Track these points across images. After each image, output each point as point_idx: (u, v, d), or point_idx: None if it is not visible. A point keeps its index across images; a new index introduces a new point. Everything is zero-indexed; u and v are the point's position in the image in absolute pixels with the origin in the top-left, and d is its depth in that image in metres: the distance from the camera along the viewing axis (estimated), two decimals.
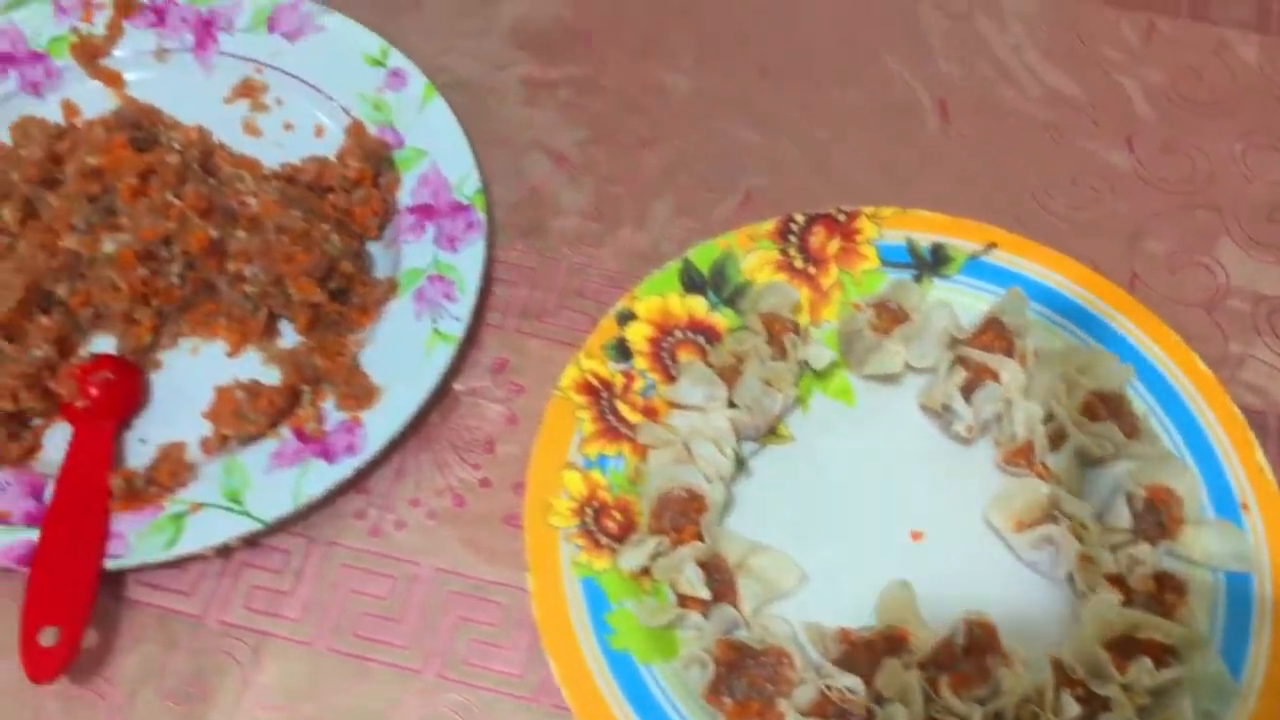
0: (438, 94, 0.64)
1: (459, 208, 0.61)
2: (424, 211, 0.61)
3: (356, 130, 0.63)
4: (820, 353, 0.57)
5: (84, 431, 0.55)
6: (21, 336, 0.57)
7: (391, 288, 0.60)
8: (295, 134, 0.65)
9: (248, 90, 0.66)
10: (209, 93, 0.65)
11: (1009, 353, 0.57)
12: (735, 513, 0.56)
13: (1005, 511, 0.55)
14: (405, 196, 0.62)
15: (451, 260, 0.60)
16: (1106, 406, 0.55)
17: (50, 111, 0.64)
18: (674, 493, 0.54)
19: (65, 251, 0.57)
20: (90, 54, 0.65)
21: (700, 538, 0.53)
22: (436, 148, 0.63)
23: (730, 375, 0.57)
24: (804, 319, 0.59)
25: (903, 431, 0.58)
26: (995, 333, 0.57)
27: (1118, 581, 0.52)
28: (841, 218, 0.61)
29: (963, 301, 0.60)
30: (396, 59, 0.65)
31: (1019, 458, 0.55)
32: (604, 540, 0.54)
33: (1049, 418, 0.55)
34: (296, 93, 0.65)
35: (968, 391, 0.56)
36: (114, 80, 0.65)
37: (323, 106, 0.65)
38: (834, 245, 0.61)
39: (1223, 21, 0.70)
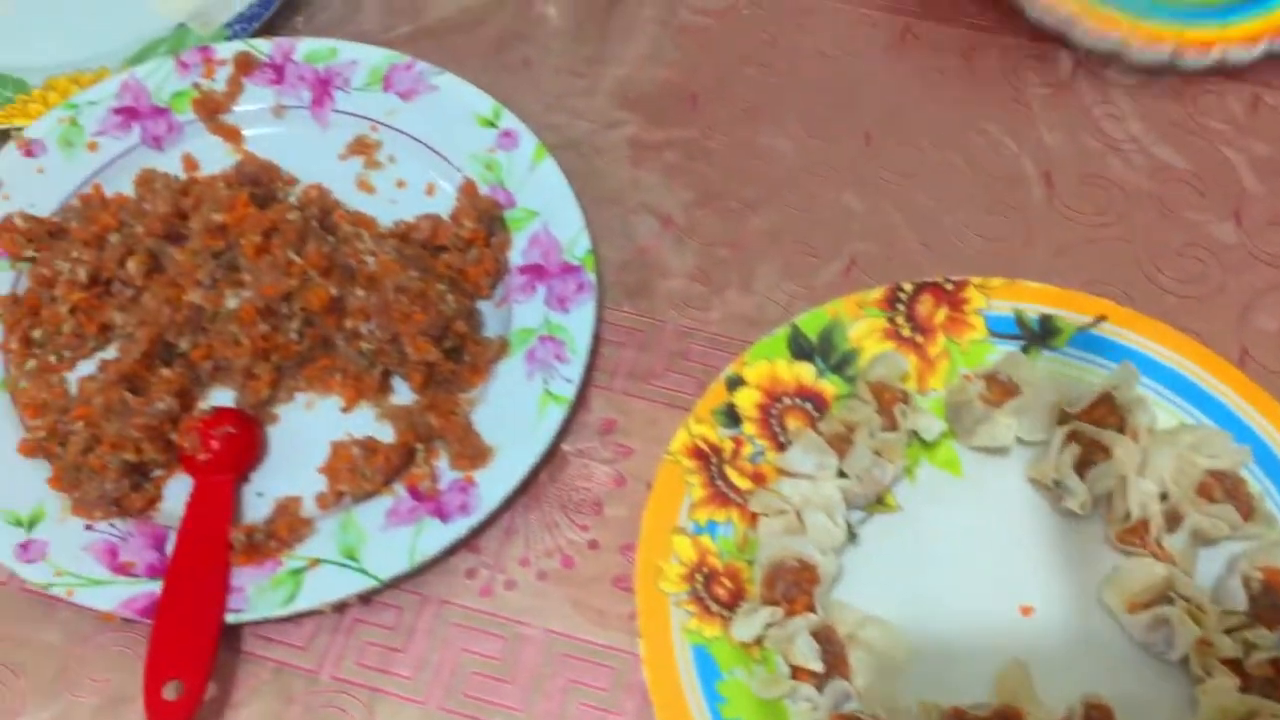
0: (549, 155, 0.65)
1: (570, 269, 0.62)
2: (535, 272, 0.62)
3: (469, 190, 0.64)
4: (931, 423, 0.58)
5: (205, 484, 0.57)
6: (145, 389, 0.58)
7: (503, 347, 0.61)
8: (407, 191, 0.66)
9: (362, 148, 0.67)
10: (324, 149, 0.67)
11: (1121, 429, 0.57)
12: (843, 582, 0.56)
13: (1119, 591, 0.54)
14: (516, 256, 0.63)
15: (562, 321, 0.61)
16: (1222, 486, 0.55)
17: (171, 165, 0.66)
18: (786, 562, 0.54)
19: (189, 305, 0.59)
20: (211, 109, 0.67)
21: (812, 609, 0.53)
22: (547, 208, 0.64)
23: (840, 444, 0.57)
24: (912, 388, 0.59)
25: (1011, 504, 0.58)
26: (1107, 408, 0.57)
27: (1234, 666, 0.52)
28: (949, 287, 0.61)
29: (1071, 374, 0.60)
30: (508, 119, 0.66)
31: (1133, 536, 0.55)
32: (714, 607, 0.54)
33: (1163, 496, 0.55)
34: (410, 151, 0.66)
35: (1080, 467, 0.56)
36: (233, 136, 0.67)
37: (435, 165, 0.66)
38: (941, 314, 0.61)
39: None
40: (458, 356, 0.60)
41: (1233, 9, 0.69)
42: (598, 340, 0.62)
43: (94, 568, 0.54)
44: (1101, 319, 0.60)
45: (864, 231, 0.66)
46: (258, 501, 0.58)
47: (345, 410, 0.60)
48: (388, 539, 0.55)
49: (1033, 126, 0.69)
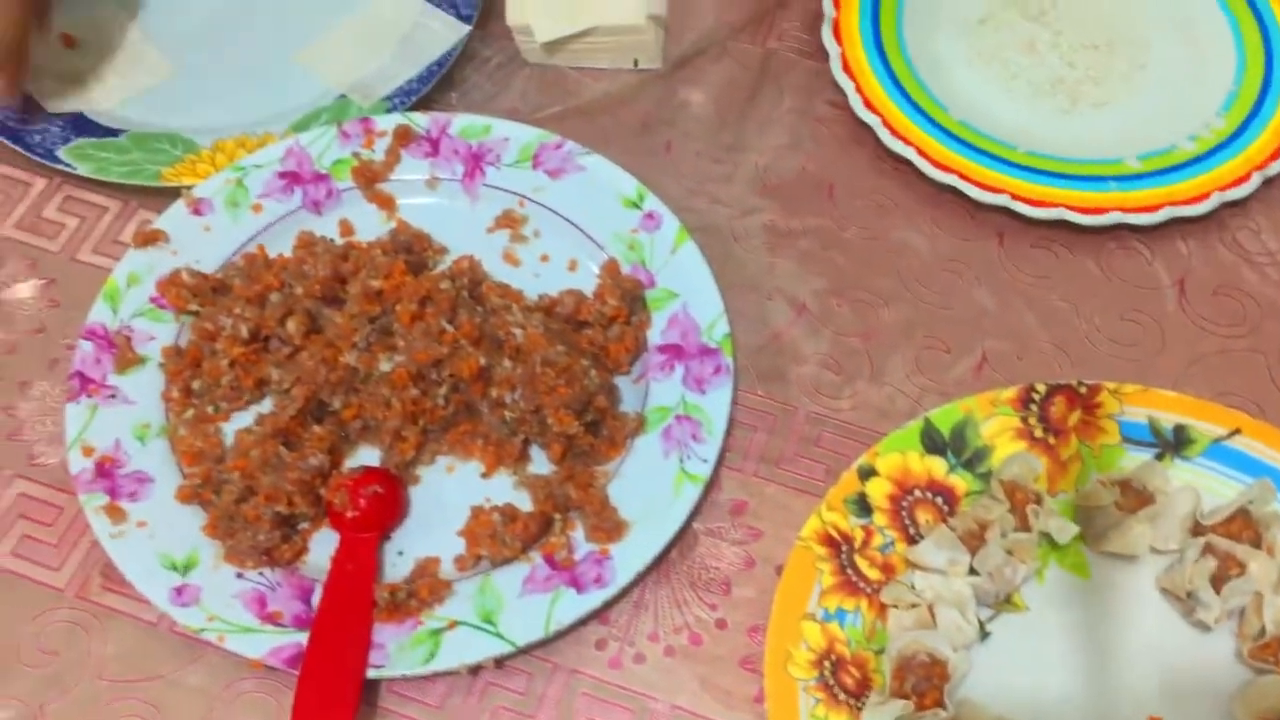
0: (690, 238, 0.67)
1: (708, 351, 0.64)
2: (673, 351, 0.64)
3: (613, 269, 0.66)
4: (1063, 526, 0.58)
5: (351, 541, 0.59)
6: (298, 444, 0.61)
7: (640, 423, 0.62)
8: (550, 266, 0.68)
9: (509, 221, 0.69)
10: (473, 221, 0.69)
11: (1257, 544, 0.57)
12: (970, 679, 0.56)
13: (1250, 708, 0.54)
14: (655, 335, 0.65)
15: (699, 402, 0.62)
16: None
17: (328, 229, 0.69)
18: (917, 656, 0.55)
19: (344, 366, 0.61)
20: (369, 178, 0.70)
21: (942, 704, 0.53)
22: (687, 290, 0.66)
23: (972, 541, 0.58)
24: (1043, 488, 0.60)
25: (1141, 612, 0.58)
26: (1243, 522, 0.57)
27: None
28: (1083, 390, 0.62)
29: (1205, 485, 0.60)
30: (652, 202, 0.68)
31: (1266, 653, 0.55)
32: (841, 695, 0.55)
33: None
34: (555, 227, 0.69)
35: (1215, 580, 0.56)
36: (388, 204, 0.70)
37: (579, 242, 0.68)
38: (1074, 417, 0.62)
39: None
40: (597, 430, 0.62)
41: None
42: (731, 422, 0.63)
43: (243, 615, 0.57)
44: (1236, 432, 0.61)
45: (996, 329, 0.67)
46: (398, 560, 0.60)
47: (485, 476, 0.62)
48: (524, 605, 0.57)
49: (1168, 237, 0.69)
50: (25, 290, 0.68)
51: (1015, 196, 0.69)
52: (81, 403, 0.62)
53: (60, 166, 0.70)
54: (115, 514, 0.59)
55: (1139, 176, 0.70)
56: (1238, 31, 0.76)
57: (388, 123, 0.71)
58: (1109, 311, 0.67)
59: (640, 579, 0.59)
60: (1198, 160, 0.71)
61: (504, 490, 0.62)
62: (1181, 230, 0.69)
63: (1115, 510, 0.58)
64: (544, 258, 0.69)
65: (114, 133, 0.72)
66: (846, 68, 0.74)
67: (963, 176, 0.70)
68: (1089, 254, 0.69)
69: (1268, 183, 0.70)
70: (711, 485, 0.62)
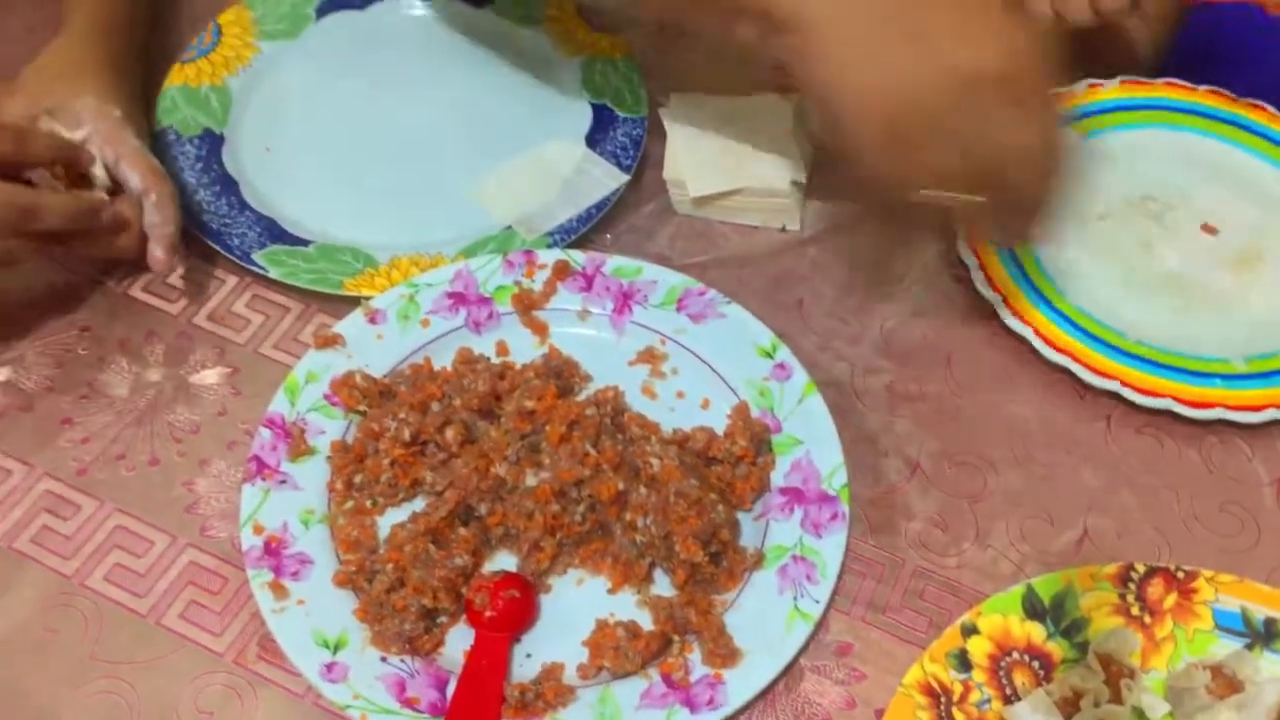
0: (817, 391, 0.72)
1: (826, 498, 0.68)
2: (794, 495, 0.69)
3: (743, 412, 0.72)
4: (1155, 703, 0.61)
5: (486, 639, 0.64)
6: (446, 543, 0.66)
7: (758, 559, 0.67)
8: (685, 402, 0.74)
9: (650, 357, 0.75)
10: (618, 354, 0.76)
11: None
12: None
13: None
14: (778, 477, 0.70)
15: (815, 545, 0.67)
16: None
17: (485, 347, 0.75)
18: None
19: (493, 476, 0.67)
20: (527, 305, 0.77)
21: None
22: (811, 439, 0.71)
23: (1067, 707, 0.61)
24: (1136, 664, 0.63)
25: None
26: None
27: None
28: (1180, 575, 0.66)
29: None
30: (784, 353, 0.74)
31: None
32: None
33: None
34: (692, 367, 0.75)
35: None
36: (541, 330, 0.76)
37: (713, 383, 0.74)
38: (1171, 600, 0.65)
39: None
40: (718, 561, 0.66)
41: None
42: (842, 567, 0.67)
43: (385, 697, 0.62)
44: None
45: (1099, 506, 0.71)
46: (526, 662, 0.64)
47: (611, 592, 0.67)
48: (640, 719, 0.61)
49: (1269, 436, 0.73)
50: (212, 376, 0.75)
51: (1125, 383, 0.74)
52: (256, 485, 0.68)
53: (254, 268, 0.78)
54: (278, 590, 0.65)
55: (1245, 377, 0.74)
56: None
57: (548, 257, 0.78)
58: (1208, 501, 0.71)
59: (749, 705, 0.63)
60: None
61: (627, 607, 0.66)
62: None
63: (1205, 694, 0.61)
64: (680, 394, 0.74)
65: (304, 242, 0.80)
66: (973, 247, 0.79)
67: (1075, 359, 0.74)
68: (1192, 445, 0.73)
69: None
70: (820, 625, 0.66)
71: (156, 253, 0.77)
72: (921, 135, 0.61)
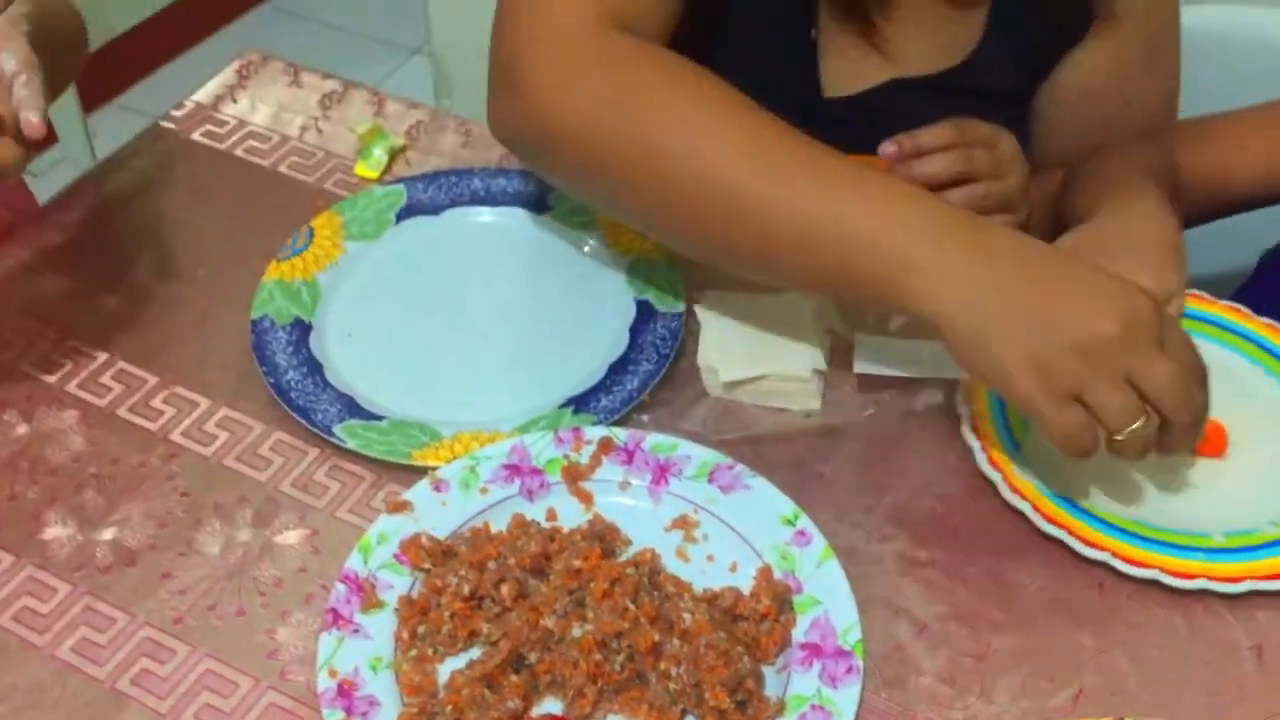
0: (834, 556, 0.80)
1: (842, 653, 0.76)
2: (813, 649, 0.76)
3: (767, 574, 0.80)
4: None
5: None
6: (499, 688, 0.74)
7: (780, 708, 0.74)
8: (714, 565, 0.82)
9: (684, 524, 0.84)
10: (655, 521, 0.84)
11: None
12: None
13: None
14: (799, 633, 0.77)
15: (832, 695, 0.74)
16: None
17: (537, 513, 0.84)
18: None
19: (543, 628, 0.75)
20: (574, 476, 0.86)
21: None
22: (829, 599, 0.78)
23: None
24: None
25: None
26: None
27: None
28: None
29: None
30: (804, 522, 0.82)
31: None
32: None
33: None
34: (722, 534, 0.83)
35: None
36: (587, 499, 0.86)
37: (740, 548, 0.82)
38: None
39: None
40: (744, 708, 0.73)
41: None
42: (856, 716, 0.74)
43: None
44: None
45: (1093, 666, 0.78)
46: None
47: None
48: None
49: (1248, 606, 0.80)
50: (293, 537, 0.85)
51: (1115, 555, 0.81)
52: (332, 634, 0.77)
53: (334, 440, 0.88)
54: None
55: (1224, 550, 0.82)
56: None
57: (594, 434, 0.88)
58: (1193, 662, 0.78)
59: None
60: (1277, 543, 0.82)
61: None
62: (1261, 602, 0.80)
63: None
64: (710, 557, 0.83)
65: (378, 418, 0.91)
66: (975, 428, 0.88)
67: (1070, 532, 0.82)
68: (1177, 611, 0.80)
69: None
70: None
71: (31, 119, 0.80)
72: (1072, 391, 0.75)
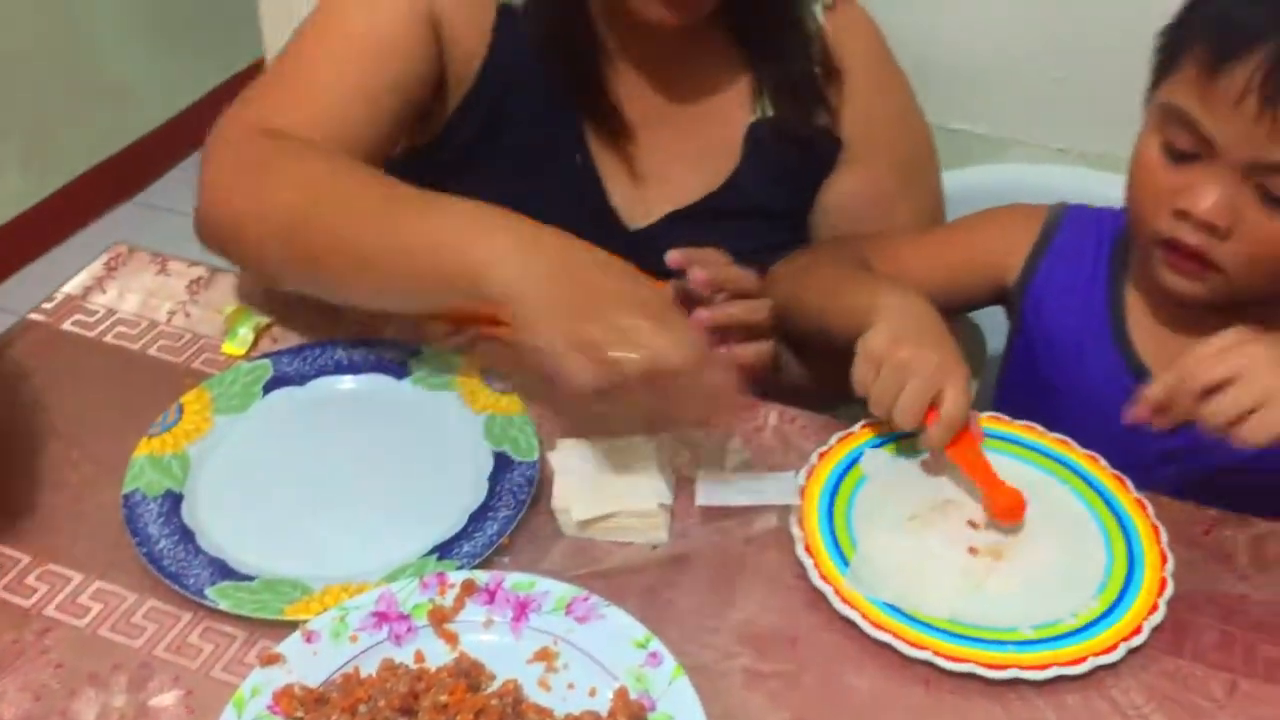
0: (684, 674, 0.87)
1: None
2: None
3: (623, 694, 0.86)
4: None
5: None
6: None
7: None
8: (575, 692, 0.88)
9: (544, 656, 0.90)
10: (517, 654, 0.90)
11: None
12: None
13: None
14: None
15: None
16: None
17: (405, 656, 0.89)
18: None
19: None
20: (439, 619, 0.91)
21: None
22: (680, 714, 0.84)
23: None
24: None
25: None
26: None
27: None
28: None
29: None
30: (655, 644, 0.89)
31: None
32: None
33: None
34: (580, 661, 0.89)
35: None
36: (452, 639, 0.91)
37: (598, 674, 0.88)
38: None
39: None
40: None
41: None
42: None
43: None
44: None
45: None
46: None
47: None
48: None
49: (1057, 691, 0.89)
50: (169, 699, 0.88)
51: (936, 653, 0.89)
52: None
53: (206, 603, 0.92)
54: None
55: (1033, 642, 0.91)
56: (1108, 540, 0.99)
57: (457, 577, 0.93)
58: None
59: None
60: (1078, 631, 0.91)
61: None
62: (1067, 686, 0.89)
63: None
64: (570, 685, 0.88)
65: (249, 578, 0.95)
66: (808, 548, 0.97)
67: (896, 636, 0.90)
68: (995, 700, 0.88)
69: (1132, 651, 0.90)
70: None
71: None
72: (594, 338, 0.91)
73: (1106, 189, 1.45)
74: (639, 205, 1.29)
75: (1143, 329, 1.14)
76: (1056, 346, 1.18)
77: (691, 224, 1.27)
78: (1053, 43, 1.44)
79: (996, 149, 1.56)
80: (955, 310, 1.11)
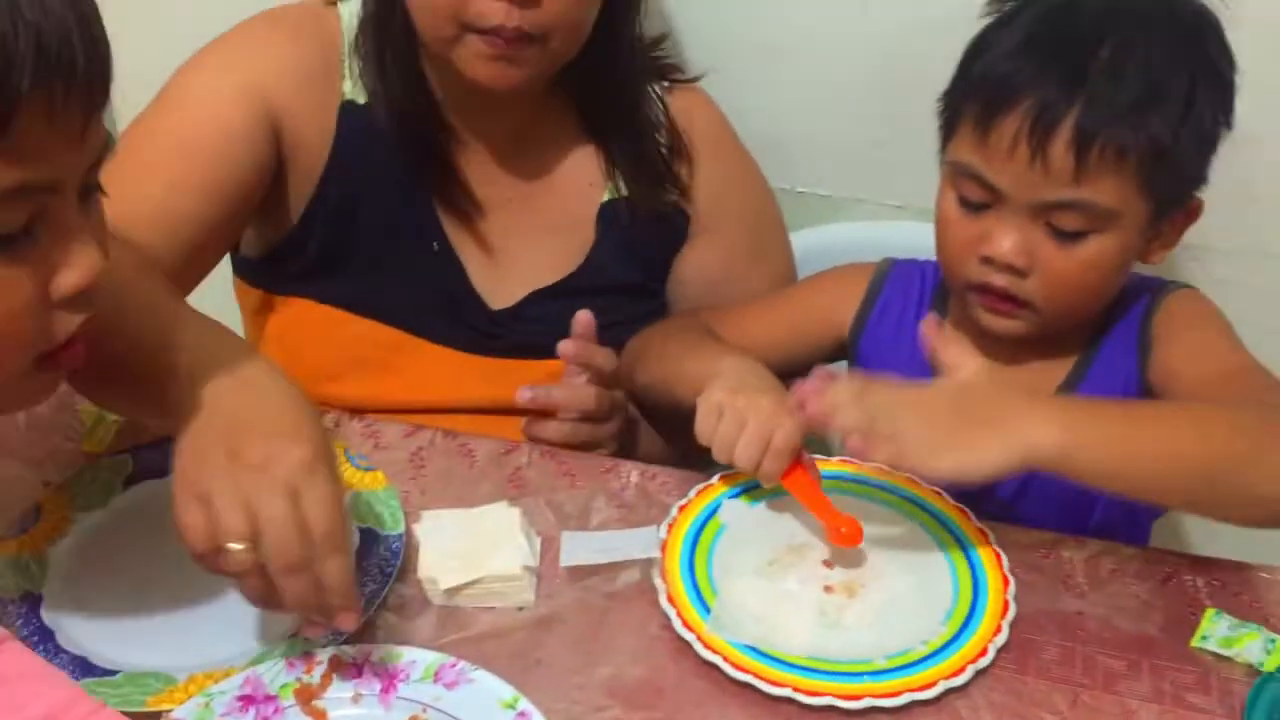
0: None
1: None
2: None
3: None
4: None
5: None
6: None
7: None
8: None
9: None
10: None
11: None
12: None
13: None
14: None
15: None
16: None
17: None
18: None
19: None
20: (307, 696, 0.92)
21: None
22: None
23: None
24: None
25: None
26: None
27: None
28: None
29: None
30: (524, 704, 0.90)
31: None
32: None
33: None
34: None
35: None
36: (320, 716, 0.91)
37: None
38: None
39: (1127, 694, 0.95)
40: None
41: None
42: None
43: None
44: None
45: None
46: None
47: None
48: None
49: (910, 716, 0.92)
50: None
51: (796, 689, 0.92)
52: None
53: None
54: None
55: (886, 671, 0.94)
56: (954, 569, 1.04)
57: (324, 654, 0.94)
58: None
59: None
60: (928, 658, 0.95)
61: None
62: (921, 711, 0.93)
63: None
64: None
65: (112, 672, 0.94)
66: (670, 599, 1.00)
67: (757, 676, 0.93)
68: None
69: (980, 672, 0.95)
70: None
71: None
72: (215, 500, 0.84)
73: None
74: (500, 286, 1.33)
75: None
76: None
77: (553, 302, 1.31)
78: (873, 109, 1.53)
79: (839, 208, 1.63)
80: (802, 368, 1.17)
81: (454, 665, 0.93)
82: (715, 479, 1.13)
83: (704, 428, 1.06)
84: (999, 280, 1.09)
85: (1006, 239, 1.07)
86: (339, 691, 0.92)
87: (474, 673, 0.93)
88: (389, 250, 1.29)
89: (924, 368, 1.06)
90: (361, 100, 1.26)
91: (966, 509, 1.09)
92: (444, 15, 1.14)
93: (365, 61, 1.25)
